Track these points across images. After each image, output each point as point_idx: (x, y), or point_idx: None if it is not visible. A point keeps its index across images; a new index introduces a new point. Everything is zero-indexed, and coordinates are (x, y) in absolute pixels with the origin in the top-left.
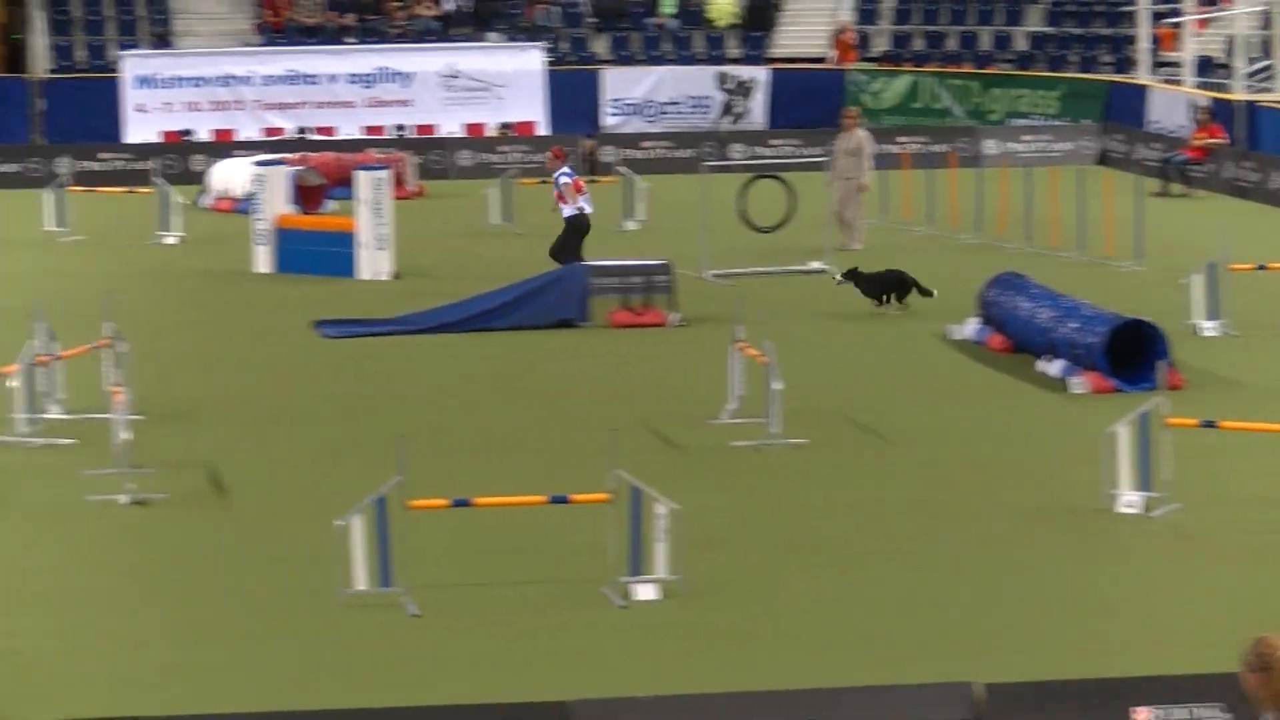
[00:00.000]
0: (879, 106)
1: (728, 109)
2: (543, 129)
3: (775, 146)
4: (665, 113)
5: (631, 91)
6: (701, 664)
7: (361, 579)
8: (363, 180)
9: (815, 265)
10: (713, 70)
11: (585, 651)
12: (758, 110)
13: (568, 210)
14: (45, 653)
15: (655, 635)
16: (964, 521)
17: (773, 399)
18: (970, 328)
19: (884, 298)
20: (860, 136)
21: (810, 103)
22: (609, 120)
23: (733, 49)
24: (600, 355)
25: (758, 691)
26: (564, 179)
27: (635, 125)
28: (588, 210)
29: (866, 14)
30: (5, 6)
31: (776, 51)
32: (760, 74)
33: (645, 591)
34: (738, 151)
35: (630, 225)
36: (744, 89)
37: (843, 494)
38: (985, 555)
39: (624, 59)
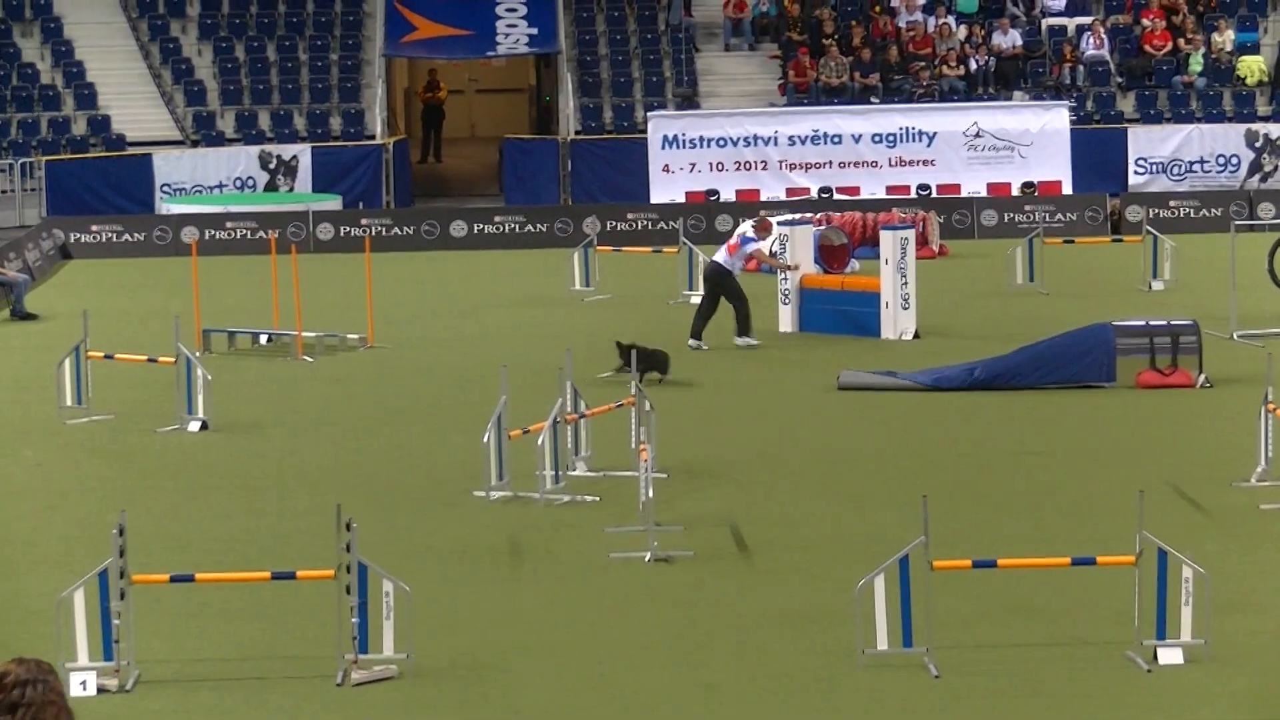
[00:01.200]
0: None
1: (1257, 167)
2: (1067, 188)
3: None
4: (1192, 171)
5: (1158, 150)
6: None
7: (883, 639)
8: (887, 240)
9: None
10: (1242, 128)
11: (1110, 715)
12: None
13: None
14: (571, 707)
15: (1180, 700)
16: None
17: None
18: None
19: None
20: None
21: None
22: (1134, 179)
23: (1262, 106)
24: (1126, 415)
25: None
26: (750, 246)
27: (1161, 184)
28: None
29: None
30: (536, 70)
31: None
32: None
33: (1170, 656)
34: (1267, 210)
35: (1157, 285)
36: (1274, 147)
37: None
38: None
39: (1150, 117)
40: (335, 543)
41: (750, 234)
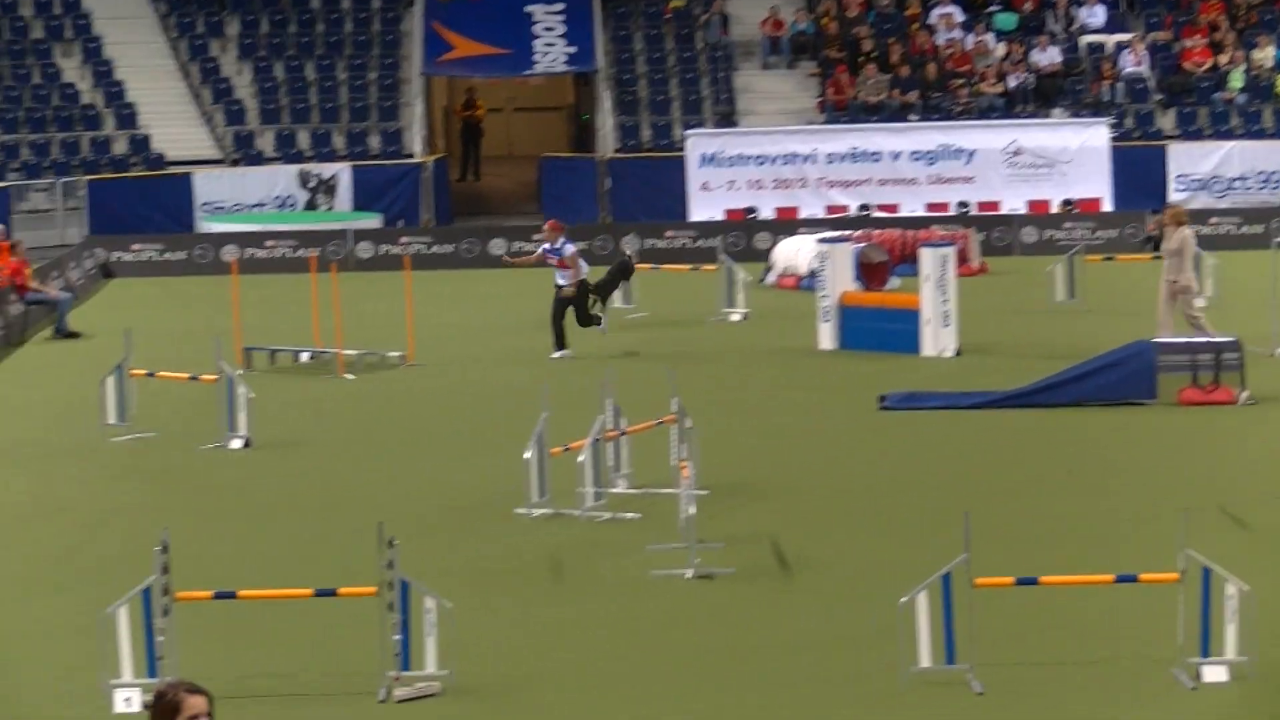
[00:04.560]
0: None
1: None
2: (1107, 205)
3: None
4: (1233, 188)
5: (1199, 167)
6: None
7: (926, 656)
8: (927, 257)
9: None
10: None
11: None
12: None
13: (568, 277)
14: None
15: (1226, 717)
16: None
17: None
18: None
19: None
20: (1184, 236)
21: None
22: (1175, 196)
23: None
24: (1168, 433)
25: None
26: (569, 249)
27: (1202, 201)
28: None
29: None
30: (574, 88)
31: None
32: None
33: (1215, 673)
34: None
35: (1199, 302)
36: None
37: None
38: None
39: (1191, 134)
40: (377, 560)
41: (548, 245)
